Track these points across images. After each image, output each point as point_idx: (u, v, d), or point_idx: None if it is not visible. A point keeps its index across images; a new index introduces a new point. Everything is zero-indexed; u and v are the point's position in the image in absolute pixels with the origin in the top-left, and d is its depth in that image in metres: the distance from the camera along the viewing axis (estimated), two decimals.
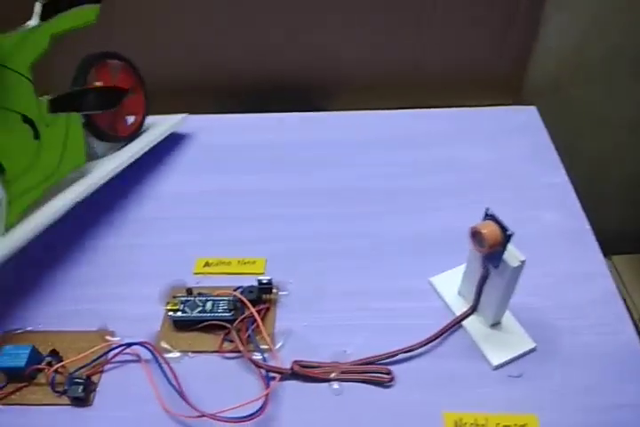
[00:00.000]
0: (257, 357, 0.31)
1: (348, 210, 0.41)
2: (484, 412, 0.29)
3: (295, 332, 0.33)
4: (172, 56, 0.43)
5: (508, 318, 0.33)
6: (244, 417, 0.28)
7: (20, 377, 0.31)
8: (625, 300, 0.51)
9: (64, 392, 0.30)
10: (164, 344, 0.32)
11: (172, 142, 0.47)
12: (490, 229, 0.27)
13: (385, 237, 0.39)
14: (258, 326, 0.32)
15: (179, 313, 0.33)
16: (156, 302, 0.35)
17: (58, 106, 0.37)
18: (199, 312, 0.33)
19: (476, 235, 0.28)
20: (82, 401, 0.30)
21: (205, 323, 0.32)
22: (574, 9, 0.47)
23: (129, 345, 0.32)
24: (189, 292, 0.34)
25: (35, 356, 0.31)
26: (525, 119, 0.48)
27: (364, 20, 0.48)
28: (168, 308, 0.33)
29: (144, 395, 0.30)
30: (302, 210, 0.41)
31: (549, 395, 0.30)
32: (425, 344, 0.31)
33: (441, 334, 0.32)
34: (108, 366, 0.32)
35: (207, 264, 0.37)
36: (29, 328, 0.34)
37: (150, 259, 0.38)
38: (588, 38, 0.49)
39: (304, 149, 0.46)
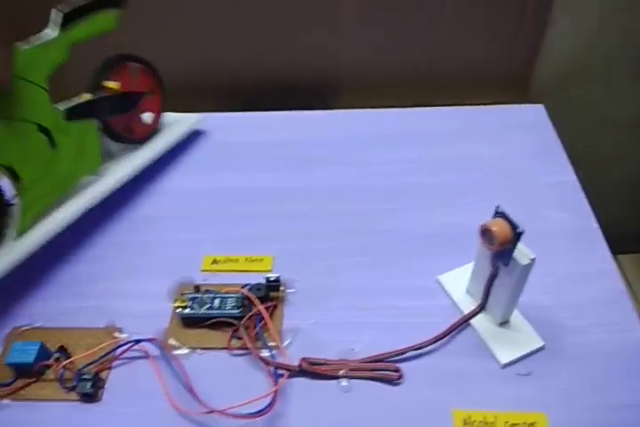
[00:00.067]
0: (265, 354, 0.31)
1: (356, 208, 0.41)
2: (492, 410, 0.29)
3: (303, 329, 0.33)
4: (172, 56, 0.43)
5: (516, 317, 0.33)
6: (253, 414, 0.28)
7: (29, 373, 0.31)
8: None
9: (73, 388, 0.30)
10: (172, 341, 0.32)
11: (181, 140, 0.47)
12: (500, 227, 0.27)
13: (393, 235, 0.39)
14: (266, 323, 0.32)
15: (187, 310, 0.33)
16: (164, 299, 0.35)
17: (74, 114, 0.37)
18: (207, 309, 0.33)
19: (485, 232, 0.28)
20: (90, 397, 0.30)
21: (213, 320, 0.32)
22: (579, 11, 0.48)
23: (137, 342, 0.32)
24: (197, 289, 0.34)
25: (43, 352, 0.31)
26: (533, 118, 0.48)
27: (368, 20, 0.48)
28: (176, 305, 0.33)
29: (152, 391, 0.30)
30: (310, 208, 0.41)
31: (558, 393, 0.30)
32: (433, 342, 0.31)
33: (449, 333, 0.32)
34: (117, 362, 0.32)
35: (215, 262, 0.37)
36: (38, 325, 0.34)
37: (159, 256, 0.38)
38: (592, 39, 0.49)
39: (313, 147, 0.46)
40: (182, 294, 0.34)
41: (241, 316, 0.32)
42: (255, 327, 0.32)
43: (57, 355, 0.32)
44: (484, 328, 0.33)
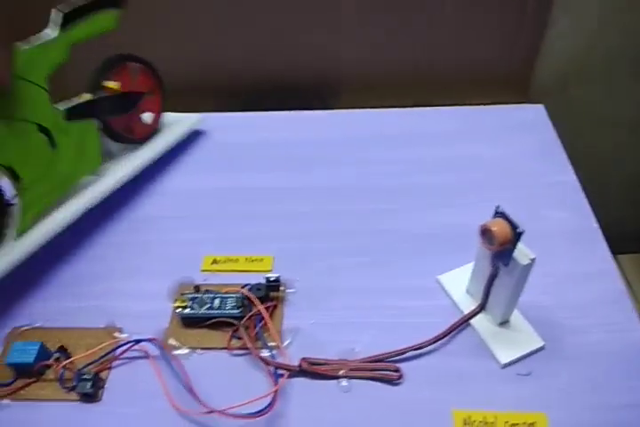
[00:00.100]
0: (265, 354, 0.31)
1: (356, 208, 0.41)
2: (492, 410, 0.29)
3: (303, 329, 0.33)
4: (171, 56, 0.43)
5: (516, 317, 0.33)
6: (253, 414, 0.28)
7: (29, 373, 0.31)
8: None
9: (73, 388, 0.30)
10: (172, 341, 0.32)
11: (181, 140, 0.47)
12: (500, 227, 0.27)
13: (393, 234, 0.39)
14: (266, 323, 0.32)
15: (187, 310, 0.33)
16: (163, 299, 0.35)
17: (74, 114, 0.37)
18: (207, 309, 0.33)
19: (485, 232, 0.28)
20: (90, 397, 0.30)
21: (213, 320, 0.32)
22: (579, 11, 0.48)
23: (137, 342, 0.32)
24: (197, 289, 0.34)
25: (43, 352, 0.31)
26: (533, 118, 0.48)
27: (368, 20, 0.48)
28: (176, 305, 0.33)
29: (152, 391, 0.30)
30: (310, 208, 0.41)
31: (558, 393, 0.30)
32: (433, 342, 0.31)
33: (449, 333, 0.32)
34: (117, 362, 0.32)
35: (215, 262, 0.37)
36: (38, 325, 0.34)
37: (158, 256, 0.38)
38: (592, 39, 0.50)
39: (313, 147, 0.46)
40: (182, 294, 0.34)
41: (241, 316, 0.32)
42: (255, 327, 0.32)
43: (57, 355, 0.32)
44: (484, 328, 0.33)
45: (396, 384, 0.30)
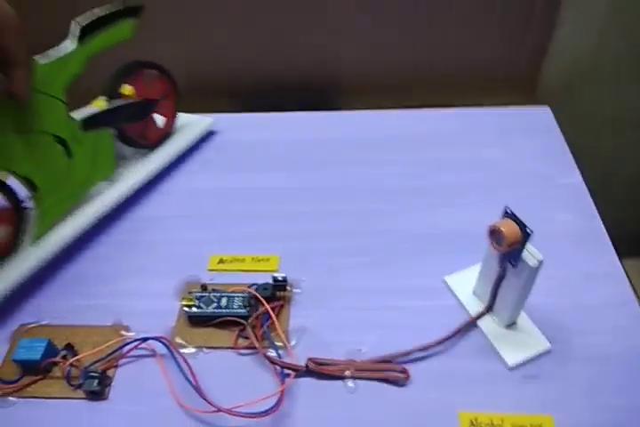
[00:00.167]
0: (272, 353, 0.31)
1: (362, 208, 0.41)
2: (499, 412, 0.29)
3: (309, 329, 0.33)
4: (171, 56, 0.43)
5: (523, 319, 0.33)
6: (260, 413, 0.28)
7: (36, 370, 0.31)
8: None
9: (79, 386, 0.30)
10: (178, 340, 0.32)
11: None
12: (509, 228, 0.27)
13: (396, 235, 0.39)
14: (272, 322, 0.32)
15: (194, 309, 0.33)
16: (170, 298, 0.35)
17: (90, 124, 0.37)
18: (214, 308, 0.33)
19: (494, 233, 0.28)
20: (97, 395, 0.30)
21: (220, 319, 0.33)
22: (588, 11, 0.48)
23: (144, 340, 0.32)
24: (204, 288, 0.34)
25: (50, 349, 0.31)
26: (539, 118, 0.48)
27: (369, 20, 0.48)
28: (183, 303, 0.33)
29: (159, 390, 0.30)
30: (315, 208, 0.41)
31: (565, 396, 0.30)
32: (440, 343, 0.31)
33: (456, 334, 0.32)
34: (123, 360, 0.32)
35: (221, 261, 0.37)
36: (44, 322, 0.34)
37: (165, 255, 0.38)
38: (600, 40, 0.49)
39: (315, 147, 0.46)
40: (189, 293, 0.34)
41: (248, 315, 0.32)
42: (262, 327, 0.32)
43: (64, 352, 0.32)
44: (491, 330, 0.32)
45: (403, 385, 0.30)
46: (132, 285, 0.36)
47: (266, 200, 0.42)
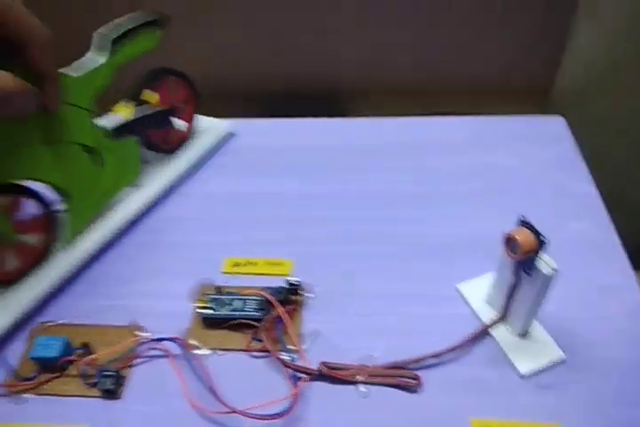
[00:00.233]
0: (284, 357, 0.31)
1: (376, 214, 0.41)
2: (511, 420, 0.29)
3: (322, 334, 0.33)
4: (183, 61, 0.44)
5: (536, 328, 0.33)
6: (273, 415, 0.28)
7: (52, 368, 0.31)
8: None
9: (94, 384, 0.31)
10: (193, 341, 0.33)
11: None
12: (524, 236, 0.27)
13: (412, 242, 0.39)
14: (286, 326, 0.33)
15: (208, 311, 0.33)
16: (185, 300, 0.35)
17: (120, 133, 0.39)
18: (228, 310, 0.33)
19: (509, 241, 0.28)
20: (111, 394, 0.31)
21: (234, 321, 0.33)
22: (602, 21, 0.48)
23: (159, 340, 0.32)
24: (218, 290, 0.35)
25: (67, 348, 0.32)
26: (553, 128, 0.48)
27: (384, 28, 0.49)
28: (198, 305, 0.34)
29: (172, 390, 0.30)
30: (330, 213, 0.41)
31: (577, 405, 0.30)
32: (453, 350, 0.31)
33: (469, 342, 0.32)
34: (138, 360, 0.32)
35: (236, 264, 0.38)
36: (61, 321, 0.35)
37: (182, 257, 0.38)
38: (614, 49, 0.49)
39: (333, 153, 0.47)
40: (204, 295, 0.34)
41: (262, 318, 0.33)
42: (275, 330, 0.32)
43: (79, 351, 0.32)
44: (504, 338, 0.32)
45: (415, 392, 0.30)
46: (149, 286, 0.37)
47: (280, 205, 0.42)
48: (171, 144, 0.45)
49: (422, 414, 0.30)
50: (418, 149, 0.47)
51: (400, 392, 0.30)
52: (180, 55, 0.45)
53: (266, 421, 0.28)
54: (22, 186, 0.34)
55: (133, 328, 0.34)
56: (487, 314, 0.34)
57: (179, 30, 0.46)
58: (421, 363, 0.31)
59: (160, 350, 0.32)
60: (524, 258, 0.28)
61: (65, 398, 0.31)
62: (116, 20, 0.37)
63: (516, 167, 0.45)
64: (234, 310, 0.33)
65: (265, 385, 0.31)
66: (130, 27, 0.36)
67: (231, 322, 0.33)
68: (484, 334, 0.33)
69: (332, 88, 0.54)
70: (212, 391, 0.29)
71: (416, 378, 0.31)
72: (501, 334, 0.33)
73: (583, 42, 0.49)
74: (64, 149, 0.35)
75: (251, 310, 0.33)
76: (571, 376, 0.31)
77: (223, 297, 0.34)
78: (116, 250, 0.39)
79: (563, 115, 0.49)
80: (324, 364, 0.31)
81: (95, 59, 0.35)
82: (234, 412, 0.28)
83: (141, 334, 0.33)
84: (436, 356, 0.31)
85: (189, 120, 0.46)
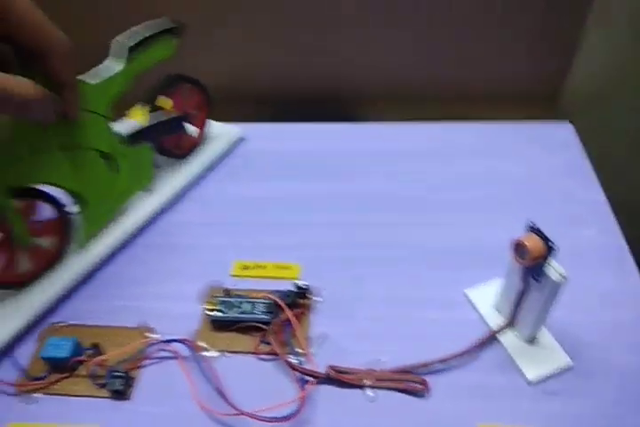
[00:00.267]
0: (292, 360, 0.32)
1: (385, 219, 0.41)
2: (517, 426, 0.29)
3: (329, 338, 0.34)
4: (197, 65, 0.45)
5: (544, 334, 0.33)
6: (280, 418, 0.28)
7: (63, 368, 0.32)
8: None
9: (104, 385, 0.31)
10: (201, 343, 0.33)
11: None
12: (533, 242, 0.27)
13: (419, 247, 0.39)
14: (293, 329, 0.33)
15: (217, 313, 0.33)
16: (194, 302, 0.35)
17: (133, 139, 0.39)
18: (237, 313, 0.33)
19: (518, 247, 0.28)
20: (121, 394, 0.31)
21: (243, 324, 0.33)
22: (612, 27, 0.48)
23: (169, 342, 0.32)
24: (227, 293, 0.35)
25: (77, 348, 0.32)
26: (561, 135, 0.48)
27: (395, 34, 0.49)
28: (206, 307, 0.34)
29: (182, 391, 0.31)
30: (339, 217, 0.42)
31: (584, 413, 0.30)
32: (460, 356, 0.31)
33: (476, 347, 0.32)
34: (147, 361, 0.32)
35: (245, 267, 0.38)
36: (72, 322, 0.35)
37: (192, 259, 0.39)
38: (624, 56, 0.50)
39: (342, 158, 0.47)
40: (213, 297, 0.34)
41: (270, 321, 0.33)
42: (283, 333, 0.33)
43: (89, 352, 0.32)
44: (512, 344, 0.32)
45: (422, 396, 0.30)
46: (159, 288, 0.37)
47: (289, 209, 0.43)
48: (182, 149, 0.45)
49: (429, 420, 0.30)
50: (424, 156, 0.47)
51: (407, 397, 0.31)
52: (194, 59, 0.46)
53: (273, 423, 0.28)
54: (38, 190, 0.34)
55: (143, 330, 0.34)
56: (495, 320, 0.34)
57: (193, 36, 0.46)
58: (429, 368, 0.31)
59: (169, 351, 0.33)
60: (532, 264, 0.28)
61: (74, 399, 0.31)
62: (134, 28, 0.37)
63: (524, 173, 0.45)
64: (242, 313, 0.33)
65: (272, 388, 0.31)
66: (147, 35, 0.37)
67: (240, 325, 0.33)
68: (491, 339, 0.33)
69: (344, 93, 0.54)
70: (221, 393, 0.30)
71: (423, 383, 0.31)
72: (509, 339, 0.33)
73: (592, 48, 0.49)
74: (81, 154, 0.35)
75: (259, 312, 0.33)
76: (578, 383, 0.31)
77: (232, 300, 0.34)
78: (127, 252, 0.40)
79: (571, 121, 0.50)
80: (331, 367, 0.31)
81: (112, 66, 0.36)
82: (242, 414, 0.28)
83: (151, 335, 0.33)
84: (443, 361, 0.31)
85: (201, 126, 0.47)
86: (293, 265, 0.38)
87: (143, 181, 0.42)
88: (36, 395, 0.31)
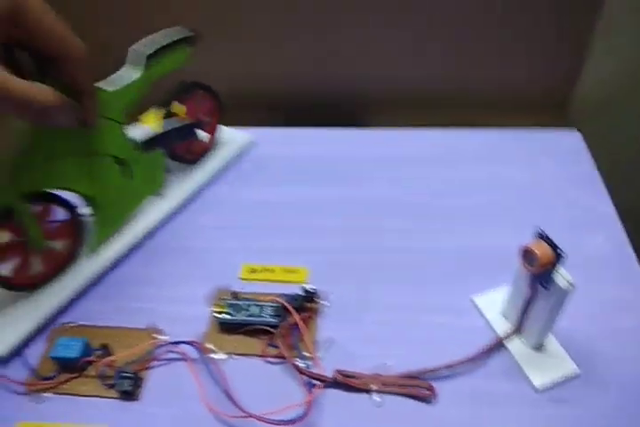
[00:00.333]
0: (300, 363, 0.32)
1: (393, 224, 0.41)
2: None
3: (337, 342, 0.34)
4: (211, 71, 0.45)
5: (551, 342, 0.33)
6: (288, 421, 0.28)
7: (72, 368, 0.32)
8: None
9: (112, 386, 0.31)
10: (209, 345, 0.33)
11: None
12: (542, 249, 0.27)
13: (427, 253, 0.39)
14: (301, 333, 0.33)
15: (225, 316, 0.34)
16: (203, 305, 0.36)
17: (147, 146, 0.40)
18: (245, 316, 0.34)
19: (527, 254, 0.28)
20: (129, 395, 0.31)
21: (250, 327, 0.33)
22: (622, 34, 0.48)
23: (177, 343, 0.33)
24: (235, 296, 0.35)
25: (86, 348, 0.32)
26: (569, 142, 0.48)
27: (403, 40, 0.49)
28: (215, 310, 0.34)
29: (189, 393, 0.31)
30: (347, 223, 0.42)
31: (591, 420, 0.30)
32: (467, 362, 0.32)
33: (483, 354, 0.32)
34: (156, 363, 0.33)
35: (253, 271, 0.38)
36: (82, 322, 0.35)
37: (201, 262, 0.39)
38: (634, 63, 0.50)
39: (351, 163, 0.47)
40: (221, 299, 0.35)
41: (278, 324, 0.33)
42: (291, 337, 0.33)
43: (99, 352, 0.33)
44: (519, 351, 0.33)
45: (429, 402, 0.31)
46: (169, 290, 0.37)
47: (298, 213, 0.43)
48: (194, 155, 0.46)
49: (436, 426, 0.30)
50: (433, 162, 0.47)
51: (414, 402, 0.31)
52: (207, 65, 0.46)
53: (280, 426, 0.28)
54: (51, 193, 0.35)
55: (152, 331, 0.34)
56: (502, 326, 0.34)
57: (205, 42, 0.47)
58: (436, 374, 0.31)
59: (177, 353, 0.33)
60: (540, 271, 0.28)
61: (83, 399, 0.31)
62: (150, 36, 0.37)
63: (532, 181, 0.45)
64: (250, 316, 0.34)
65: (279, 391, 0.31)
66: (165, 43, 0.37)
67: (247, 327, 0.33)
68: (498, 346, 0.33)
69: (355, 99, 0.54)
70: (228, 395, 0.30)
71: (430, 388, 0.31)
72: (516, 346, 0.33)
73: (602, 55, 0.49)
74: (97, 161, 0.36)
75: (267, 316, 0.34)
76: (584, 391, 0.31)
77: (240, 303, 0.34)
78: (138, 255, 0.40)
79: (579, 128, 0.50)
80: (338, 371, 0.31)
81: (129, 73, 0.36)
82: (250, 416, 0.28)
83: (159, 337, 0.34)
84: (450, 367, 0.31)
85: (212, 132, 0.47)
86: (301, 269, 0.38)
87: (155, 186, 0.42)
88: (45, 394, 0.32)
